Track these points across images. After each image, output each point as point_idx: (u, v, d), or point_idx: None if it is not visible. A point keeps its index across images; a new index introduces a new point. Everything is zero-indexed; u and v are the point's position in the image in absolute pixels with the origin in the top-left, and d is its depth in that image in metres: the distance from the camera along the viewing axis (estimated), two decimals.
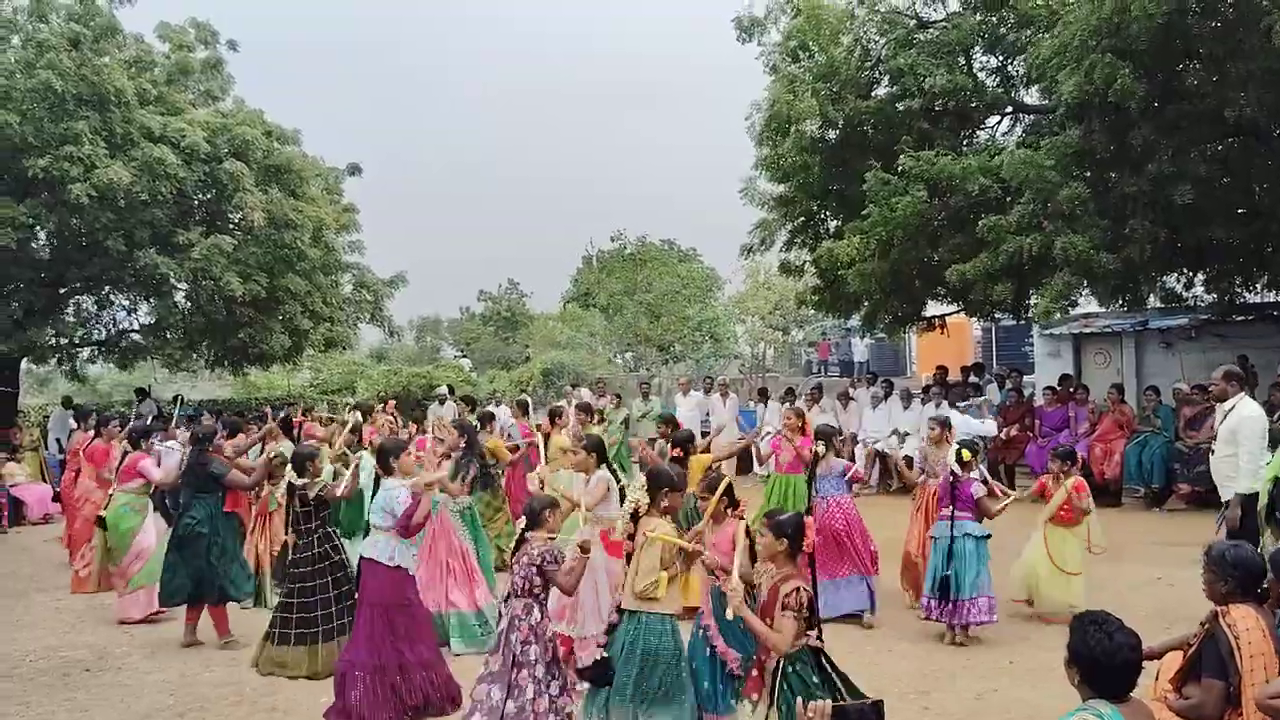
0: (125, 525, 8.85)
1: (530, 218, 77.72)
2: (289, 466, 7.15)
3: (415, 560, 6.46)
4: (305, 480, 6.87)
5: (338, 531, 7.30)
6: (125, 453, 9.24)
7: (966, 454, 7.38)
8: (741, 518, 5.47)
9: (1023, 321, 16.92)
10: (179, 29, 18.66)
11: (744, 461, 15.23)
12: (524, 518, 5.19)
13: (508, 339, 36.73)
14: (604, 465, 6.93)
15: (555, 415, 11.28)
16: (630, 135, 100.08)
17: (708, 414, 16.50)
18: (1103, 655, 2.99)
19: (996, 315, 16.39)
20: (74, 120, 15.28)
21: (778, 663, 4.21)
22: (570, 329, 31.10)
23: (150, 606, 8.52)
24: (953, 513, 7.30)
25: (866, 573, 7.89)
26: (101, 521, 9.03)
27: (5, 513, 13.76)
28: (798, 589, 4.20)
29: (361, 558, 6.13)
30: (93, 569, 9.59)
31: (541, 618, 5.03)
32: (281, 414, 11.74)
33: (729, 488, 5.40)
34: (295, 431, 11.00)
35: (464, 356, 36.47)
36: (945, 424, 8.33)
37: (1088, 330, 16.91)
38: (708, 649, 5.23)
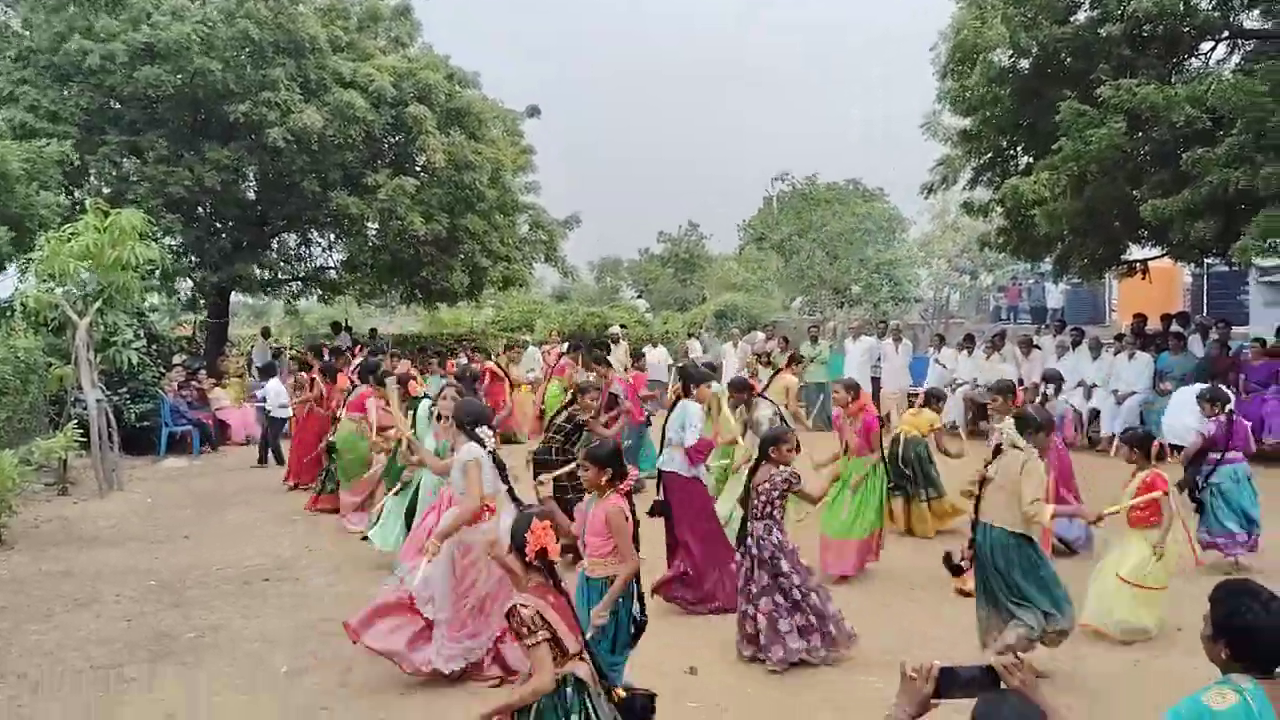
0: (353, 452, 9.50)
1: (633, 199, 76.21)
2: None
3: None
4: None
5: None
6: (353, 385, 10.09)
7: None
8: None
9: (1237, 267, 15.37)
10: None
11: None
12: (756, 450, 5.99)
13: (685, 280, 36.75)
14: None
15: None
16: (733, 116, 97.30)
17: (878, 359, 15.97)
18: (1256, 628, 2.69)
19: (1207, 259, 15.00)
20: (271, 67, 16.17)
21: None
22: (746, 270, 30.79)
23: None
24: (1223, 456, 7.41)
25: None
26: (331, 447, 9.81)
27: (212, 434, 14.95)
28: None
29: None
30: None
31: (782, 538, 5.80)
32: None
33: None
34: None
35: (641, 297, 36.79)
36: (1007, 391, 7.29)
37: None
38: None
